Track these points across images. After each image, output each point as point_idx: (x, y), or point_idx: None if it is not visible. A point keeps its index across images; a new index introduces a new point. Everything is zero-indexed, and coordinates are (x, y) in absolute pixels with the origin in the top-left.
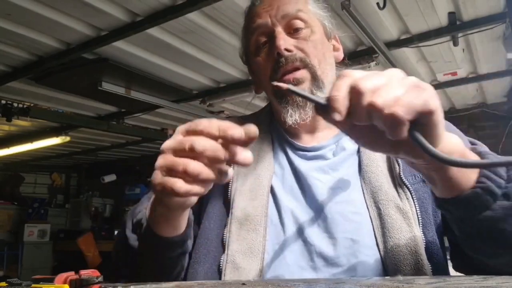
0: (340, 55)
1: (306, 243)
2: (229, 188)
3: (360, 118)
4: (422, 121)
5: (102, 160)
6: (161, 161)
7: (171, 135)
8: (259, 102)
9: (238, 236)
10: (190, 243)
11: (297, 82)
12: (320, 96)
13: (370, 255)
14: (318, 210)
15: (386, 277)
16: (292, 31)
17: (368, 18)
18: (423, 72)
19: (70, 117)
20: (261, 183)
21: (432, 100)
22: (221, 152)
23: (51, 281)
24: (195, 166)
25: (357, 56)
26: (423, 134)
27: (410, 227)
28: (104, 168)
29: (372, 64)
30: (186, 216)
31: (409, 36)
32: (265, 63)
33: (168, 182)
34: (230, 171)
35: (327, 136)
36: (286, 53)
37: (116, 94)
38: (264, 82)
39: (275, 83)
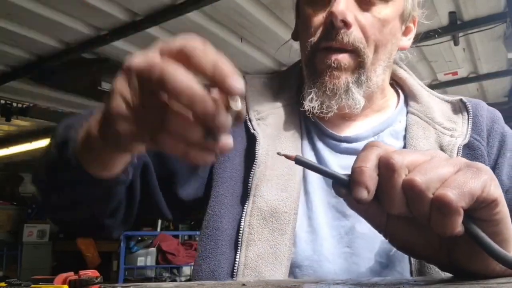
0: (407, 42)
1: (319, 256)
2: (253, 169)
3: (393, 204)
4: (481, 215)
5: None
6: (120, 83)
7: None
8: None
9: (260, 235)
10: (124, 185)
11: (337, 66)
12: (340, 173)
13: None
14: (346, 226)
15: (387, 277)
16: None
17: None
18: (423, 72)
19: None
20: (292, 169)
21: (494, 186)
22: (200, 100)
23: (50, 281)
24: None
25: None
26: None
27: None
28: None
29: None
30: (125, 159)
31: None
32: (313, 19)
33: (116, 105)
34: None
35: (364, 125)
36: (341, 25)
37: None
38: (303, 42)
39: (281, 153)
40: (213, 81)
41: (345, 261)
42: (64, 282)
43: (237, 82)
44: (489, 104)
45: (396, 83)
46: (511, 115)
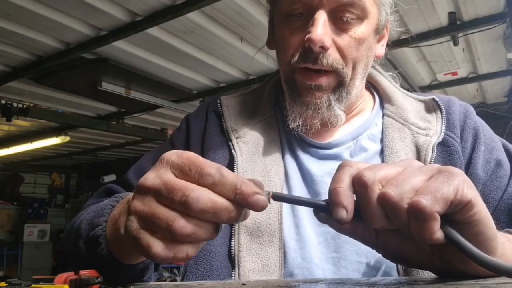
0: (381, 49)
1: (306, 260)
2: None
3: (374, 219)
4: (459, 218)
5: (101, 160)
6: (138, 205)
7: (171, 137)
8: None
9: (250, 251)
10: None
11: (317, 88)
12: (318, 199)
13: None
14: (332, 231)
15: (388, 277)
16: (339, 18)
17: None
18: (423, 72)
19: (70, 117)
20: (272, 182)
21: (467, 187)
22: (225, 213)
23: (50, 281)
24: (184, 227)
25: None
26: (464, 238)
27: None
28: (104, 168)
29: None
30: None
31: (409, 36)
32: (291, 40)
33: (144, 242)
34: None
35: (342, 130)
36: (319, 50)
37: (116, 94)
38: (282, 60)
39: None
40: (236, 203)
41: (334, 266)
42: (64, 282)
43: (259, 201)
44: (489, 104)
45: (371, 85)
46: (511, 115)
